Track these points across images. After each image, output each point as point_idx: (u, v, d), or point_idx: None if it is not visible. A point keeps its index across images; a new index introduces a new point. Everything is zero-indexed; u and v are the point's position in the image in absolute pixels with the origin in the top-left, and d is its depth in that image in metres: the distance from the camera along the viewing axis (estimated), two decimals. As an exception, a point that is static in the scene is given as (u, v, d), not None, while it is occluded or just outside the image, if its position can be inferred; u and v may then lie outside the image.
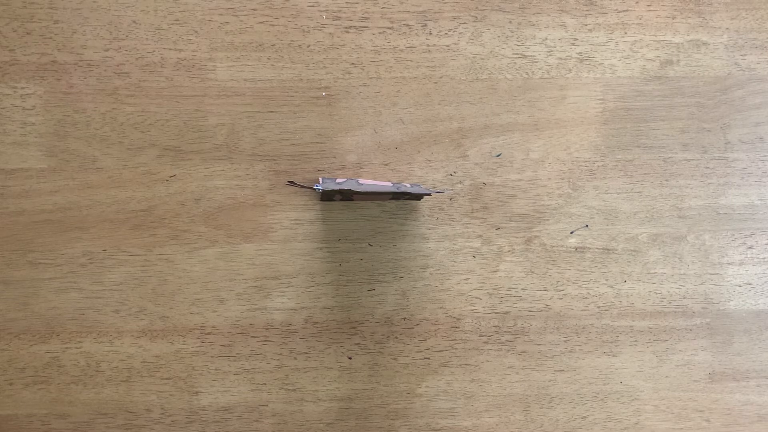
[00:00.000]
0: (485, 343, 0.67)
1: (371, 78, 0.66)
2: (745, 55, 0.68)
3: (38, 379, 0.65)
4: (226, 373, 0.65)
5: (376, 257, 0.66)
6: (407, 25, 0.66)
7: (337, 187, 0.57)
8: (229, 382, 0.65)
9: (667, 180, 0.67)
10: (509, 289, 0.67)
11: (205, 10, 0.65)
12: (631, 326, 0.67)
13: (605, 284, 0.67)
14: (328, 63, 0.66)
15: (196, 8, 0.65)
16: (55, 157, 0.65)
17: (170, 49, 0.65)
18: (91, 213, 0.65)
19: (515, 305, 0.67)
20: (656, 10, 0.67)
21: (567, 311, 0.67)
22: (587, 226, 0.67)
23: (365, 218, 0.66)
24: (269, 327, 0.66)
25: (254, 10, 0.66)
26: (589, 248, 0.67)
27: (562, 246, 0.67)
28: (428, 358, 0.67)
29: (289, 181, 0.57)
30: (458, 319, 0.67)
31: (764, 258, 0.68)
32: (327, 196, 0.61)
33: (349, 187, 0.58)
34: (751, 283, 0.68)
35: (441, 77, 0.66)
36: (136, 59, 0.65)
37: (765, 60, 0.68)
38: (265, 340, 0.66)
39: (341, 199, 0.64)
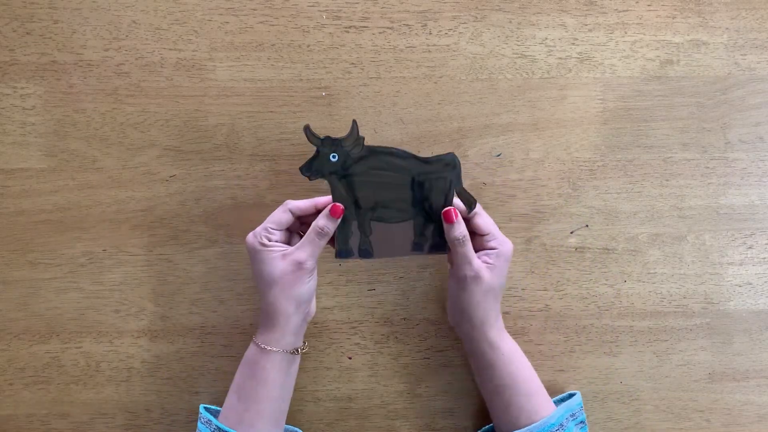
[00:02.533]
0: (485, 343, 0.66)
1: (371, 78, 0.66)
2: (745, 55, 0.68)
3: (38, 379, 0.65)
4: (226, 373, 0.65)
5: (376, 257, 0.66)
6: (407, 25, 0.66)
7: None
8: (229, 382, 0.65)
9: (667, 180, 0.67)
10: (509, 289, 0.67)
11: (205, 10, 0.66)
12: (631, 326, 0.67)
13: (605, 284, 0.67)
14: (328, 63, 0.66)
15: (196, 8, 0.65)
16: (55, 157, 0.65)
17: (170, 49, 0.65)
18: (91, 213, 0.65)
19: (515, 305, 0.67)
20: (656, 10, 0.67)
21: (567, 311, 0.67)
22: (587, 226, 0.67)
23: (365, 218, 0.66)
24: (269, 327, 0.66)
25: (254, 10, 0.66)
26: (589, 248, 0.67)
27: (562, 246, 0.67)
28: (428, 358, 0.67)
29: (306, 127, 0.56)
30: (458, 319, 0.67)
31: (764, 258, 0.68)
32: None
33: None
34: (751, 283, 0.68)
35: (441, 77, 0.66)
36: (136, 59, 0.65)
37: (765, 60, 0.68)
38: (265, 340, 0.66)
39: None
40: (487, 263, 0.58)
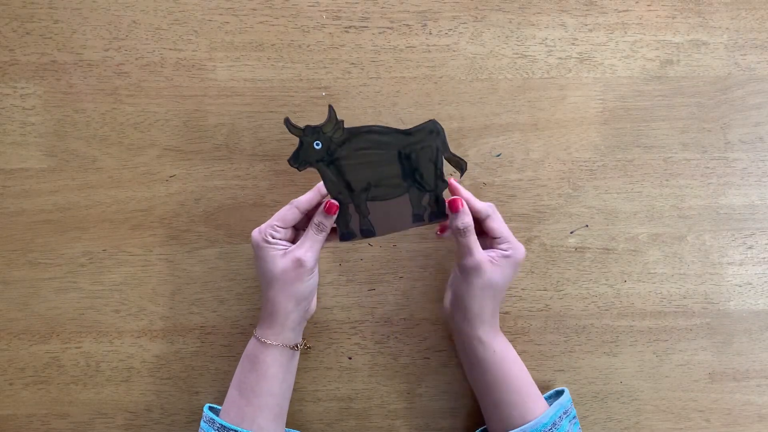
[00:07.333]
0: (485, 343, 0.66)
1: (371, 78, 0.66)
2: (745, 55, 0.68)
3: (38, 379, 0.65)
4: (226, 373, 0.65)
5: (376, 257, 0.66)
6: (407, 25, 0.66)
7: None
8: (229, 381, 0.65)
9: (667, 180, 0.67)
10: (509, 289, 0.67)
11: (205, 10, 0.66)
12: (631, 326, 0.67)
13: (605, 284, 0.67)
14: (328, 63, 0.66)
15: (196, 8, 0.65)
16: (55, 157, 0.65)
17: (170, 49, 0.65)
18: (91, 213, 0.65)
19: (515, 305, 0.67)
20: (656, 10, 0.67)
21: (567, 311, 0.67)
22: (587, 226, 0.67)
23: (365, 218, 0.66)
24: (269, 327, 0.66)
25: (254, 10, 0.66)
26: (589, 248, 0.67)
27: (562, 246, 0.67)
28: (428, 358, 0.67)
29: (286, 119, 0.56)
30: (458, 319, 0.67)
31: (764, 258, 0.68)
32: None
33: None
34: (751, 283, 0.68)
35: (441, 77, 0.66)
36: (136, 59, 0.65)
37: (765, 60, 0.68)
38: (265, 340, 0.66)
39: None
40: (492, 259, 0.57)
